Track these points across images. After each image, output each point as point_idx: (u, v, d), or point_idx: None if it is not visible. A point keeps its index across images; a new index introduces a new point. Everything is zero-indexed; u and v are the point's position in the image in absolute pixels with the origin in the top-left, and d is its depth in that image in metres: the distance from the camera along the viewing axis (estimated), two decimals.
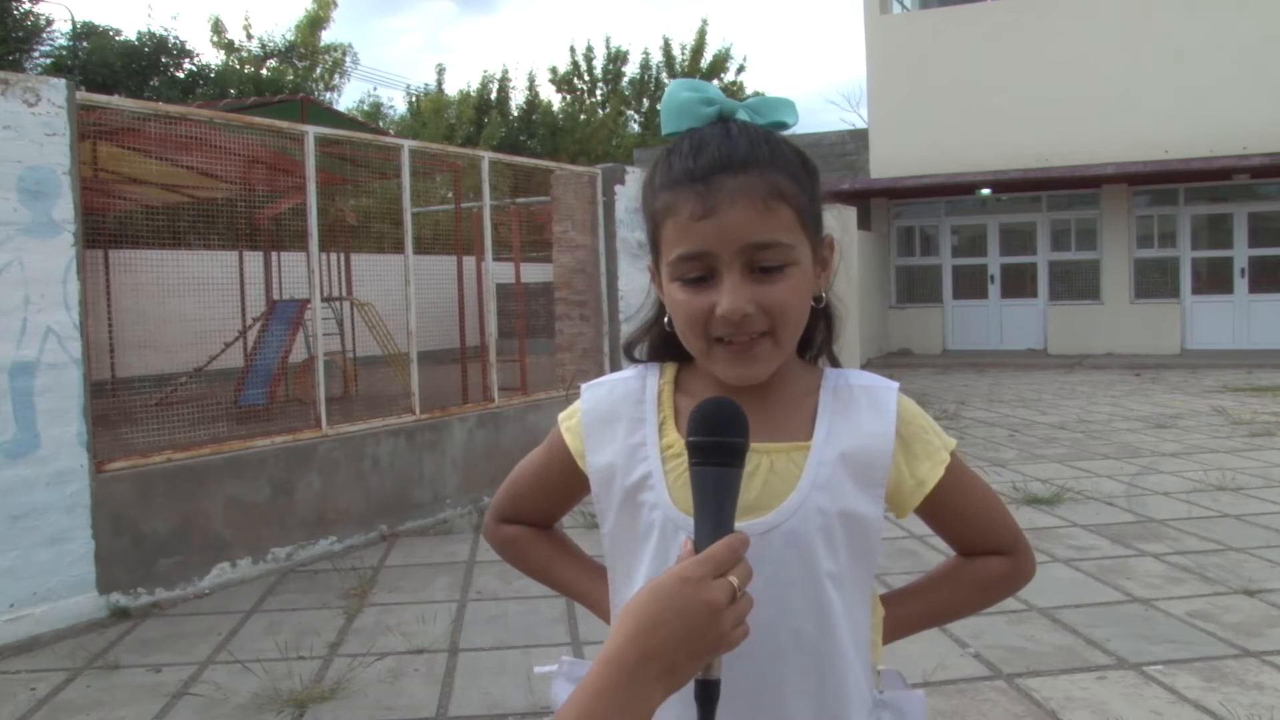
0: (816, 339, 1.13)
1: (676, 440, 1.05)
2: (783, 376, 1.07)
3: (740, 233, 0.96)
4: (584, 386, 1.16)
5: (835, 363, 1.14)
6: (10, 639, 3.87)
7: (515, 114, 29.07)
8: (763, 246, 0.96)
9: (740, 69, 31.33)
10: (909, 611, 1.17)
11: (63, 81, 4.14)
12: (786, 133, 1.04)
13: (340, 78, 27.21)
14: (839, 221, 10.51)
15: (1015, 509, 5.67)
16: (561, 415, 1.17)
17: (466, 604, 4.31)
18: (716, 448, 0.89)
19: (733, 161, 0.97)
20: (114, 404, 7.35)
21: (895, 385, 1.08)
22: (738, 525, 0.90)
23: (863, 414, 1.06)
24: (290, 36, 25.99)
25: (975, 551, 1.16)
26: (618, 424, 1.09)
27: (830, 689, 1.03)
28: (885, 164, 16.24)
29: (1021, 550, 1.16)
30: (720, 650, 0.85)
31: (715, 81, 29.98)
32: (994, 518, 1.15)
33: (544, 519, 1.24)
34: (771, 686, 1.02)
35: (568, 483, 1.16)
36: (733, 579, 0.85)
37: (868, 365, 14.80)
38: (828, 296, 1.09)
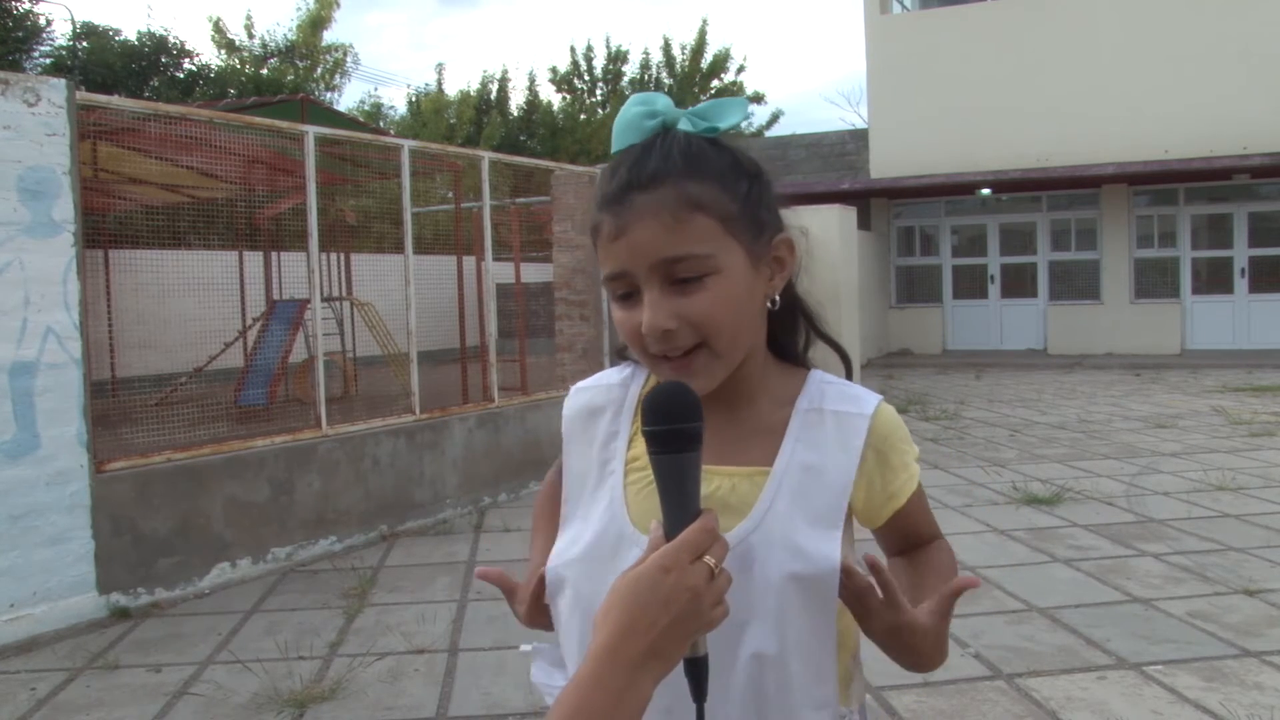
0: (798, 340, 1.12)
1: (642, 453, 1.04)
2: (755, 389, 1.06)
3: (650, 249, 0.96)
4: (573, 389, 1.16)
5: (804, 363, 1.12)
6: (10, 639, 3.87)
7: (515, 114, 29.06)
8: (675, 260, 0.96)
9: (740, 69, 31.32)
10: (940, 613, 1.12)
11: (63, 81, 4.14)
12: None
13: (341, 78, 27.19)
14: (839, 221, 10.50)
15: (1015, 509, 5.67)
16: (565, 402, 1.19)
17: (466, 604, 4.31)
18: (672, 435, 0.89)
19: (642, 178, 0.97)
20: (114, 404, 7.35)
21: (869, 412, 1.05)
22: None
23: (828, 445, 1.03)
24: (291, 36, 25.99)
25: (913, 548, 1.17)
26: (598, 435, 1.11)
27: (776, 715, 1.01)
28: (885, 164, 16.25)
29: (940, 533, 1.19)
30: (704, 630, 0.86)
31: (715, 82, 29.98)
32: (929, 514, 1.16)
33: None
34: (715, 709, 0.99)
35: None
36: (709, 559, 0.86)
37: (868, 365, 14.80)
38: (790, 296, 1.08)
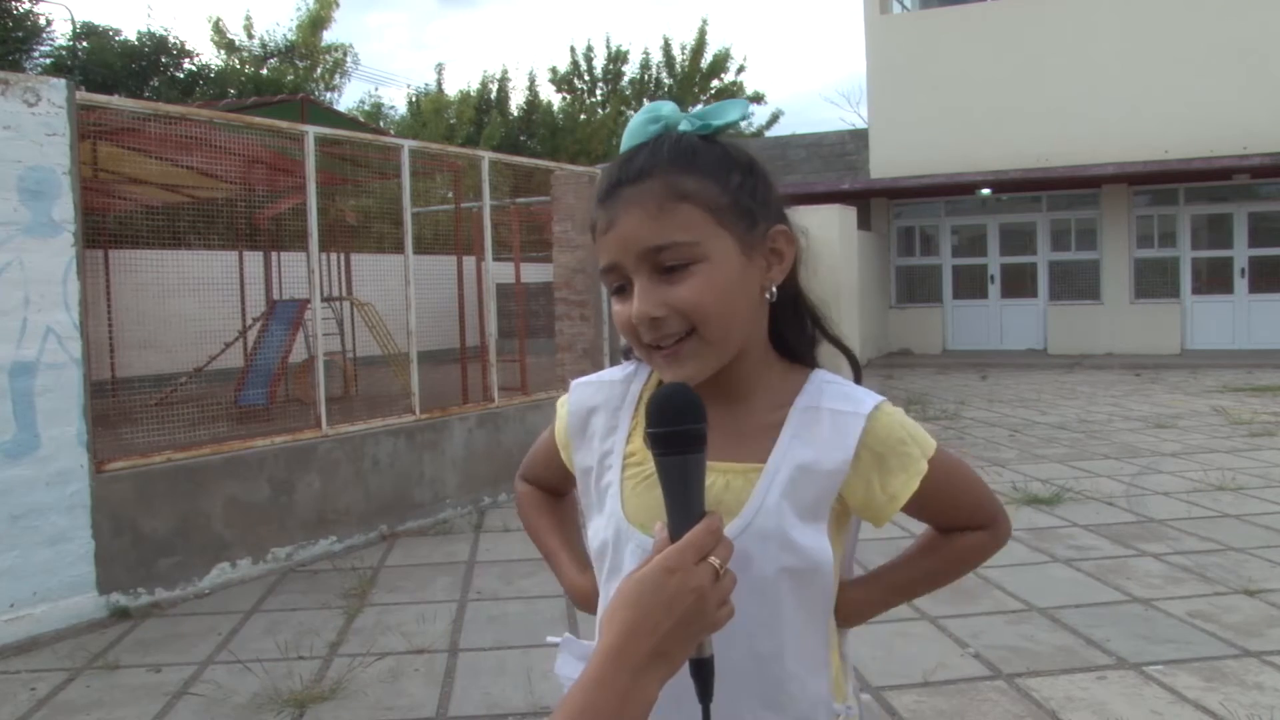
0: (802, 337, 1.11)
1: (640, 449, 1.06)
2: (754, 385, 1.06)
3: (636, 239, 0.98)
4: (573, 384, 1.18)
5: (813, 362, 1.12)
6: (10, 639, 3.87)
7: (515, 114, 29.07)
8: (660, 249, 0.98)
9: (740, 69, 31.32)
10: (884, 586, 1.18)
11: (63, 81, 4.14)
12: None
13: (341, 78, 27.20)
14: (839, 221, 10.52)
15: (1015, 509, 5.67)
16: (559, 401, 1.21)
17: (466, 604, 4.31)
18: (676, 437, 0.89)
19: (629, 173, 1.00)
20: (114, 404, 7.35)
21: (864, 412, 1.05)
22: None
23: (822, 442, 1.04)
24: (291, 36, 25.99)
25: (955, 530, 1.17)
26: (595, 430, 1.13)
27: (771, 712, 1.03)
28: (885, 164, 16.24)
29: (999, 521, 1.18)
30: (708, 632, 0.87)
31: (715, 82, 29.99)
32: (974, 502, 1.16)
33: (553, 488, 1.31)
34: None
35: (563, 464, 1.21)
36: (714, 560, 0.87)
37: (868, 365, 14.74)
38: (792, 291, 1.08)
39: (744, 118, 1.04)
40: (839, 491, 1.04)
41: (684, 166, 0.99)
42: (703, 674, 0.89)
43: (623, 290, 1.02)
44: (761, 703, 1.03)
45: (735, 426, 1.05)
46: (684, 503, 0.89)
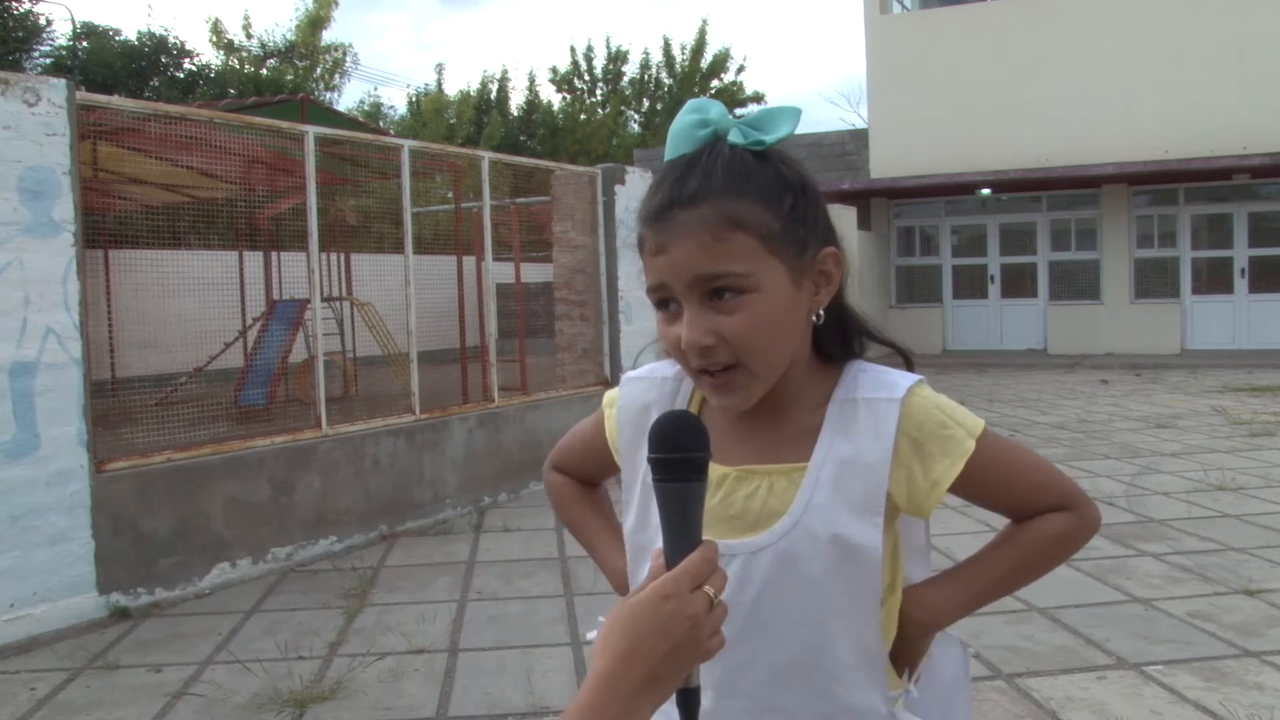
0: (846, 342, 1.10)
1: None
2: (794, 391, 1.06)
3: (689, 266, 0.97)
4: (624, 377, 1.18)
5: (854, 353, 1.11)
6: (10, 639, 3.86)
7: (515, 114, 29.08)
8: (713, 277, 0.97)
9: (740, 69, 31.31)
10: (963, 586, 1.12)
11: (63, 81, 4.14)
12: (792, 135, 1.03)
13: (340, 78, 27.20)
14: (840, 221, 10.51)
15: None
16: (606, 396, 1.21)
17: (466, 604, 4.31)
18: (678, 464, 0.89)
19: (683, 196, 0.98)
20: (114, 404, 7.35)
21: (899, 397, 1.04)
22: (733, 543, 0.90)
23: (862, 434, 1.03)
24: (290, 36, 25.99)
25: (1029, 515, 1.11)
26: (648, 427, 1.11)
27: (829, 711, 1.04)
28: (885, 164, 16.25)
29: (1080, 503, 1.11)
30: (700, 660, 0.87)
31: (715, 82, 29.99)
32: (1039, 482, 1.10)
33: (588, 479, 1.31)
34: (764, 708, 1.03)
35: (605, 457, 1.21)
36: (709, 589, 0.87)
37: None
38: (839, 305, 1.07)
39: (794, 130, 1.03)
40: (888, 488, 1.03)
41: (738, 191, 0.97)
42: (689, 704, 0.89)
43: (667, 305, 1.01)
44: (815, 693, 1.03)
45: (777, 431, 1.05)
46: (682, 529, 0.89)
